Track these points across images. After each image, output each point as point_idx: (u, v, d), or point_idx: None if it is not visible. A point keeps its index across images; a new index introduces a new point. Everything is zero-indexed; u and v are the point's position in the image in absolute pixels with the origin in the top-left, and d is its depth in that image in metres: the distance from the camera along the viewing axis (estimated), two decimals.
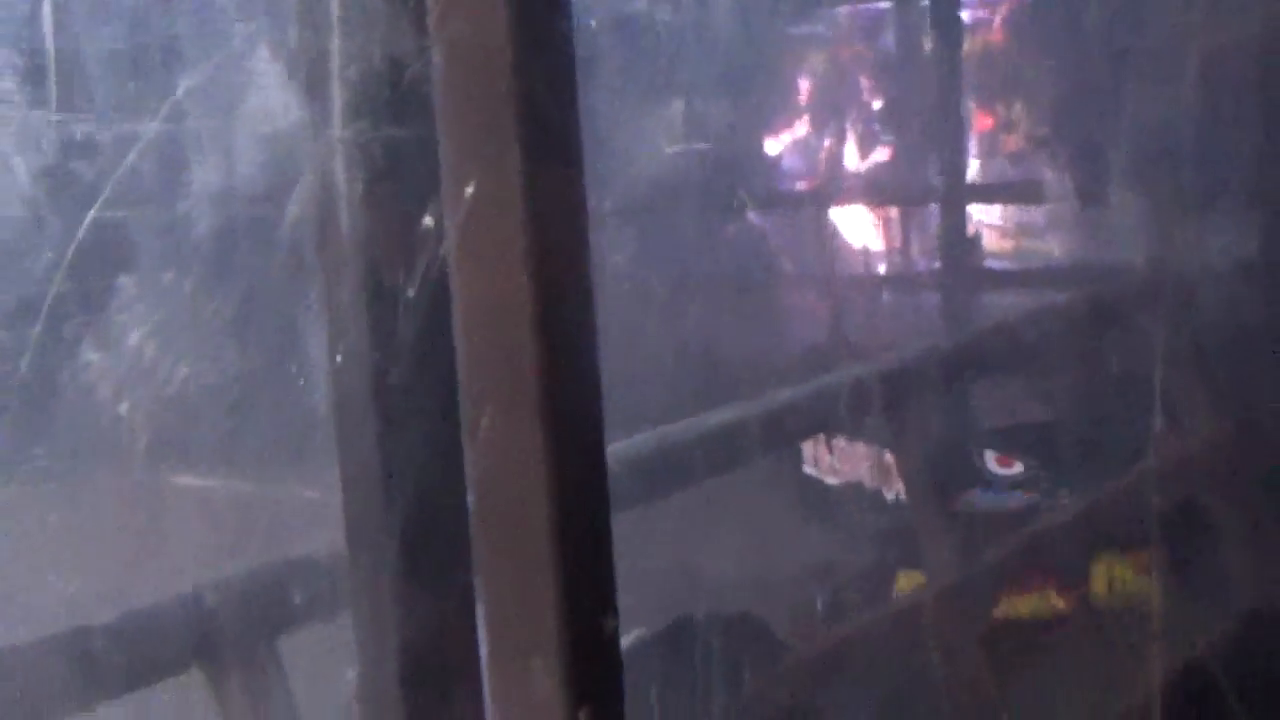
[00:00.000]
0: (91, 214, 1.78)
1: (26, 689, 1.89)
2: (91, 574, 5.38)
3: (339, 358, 1.81)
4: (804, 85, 9.93)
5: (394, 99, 1.77)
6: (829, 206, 9.19)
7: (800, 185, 9.58)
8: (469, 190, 1.81)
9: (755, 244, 8.17)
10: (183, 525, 5.55)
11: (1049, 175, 8.88)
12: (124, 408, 2.10)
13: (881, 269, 9.07)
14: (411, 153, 1.85)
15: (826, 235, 8.88)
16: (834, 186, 9.38)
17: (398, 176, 1.80)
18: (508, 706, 1.96)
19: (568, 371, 1.90)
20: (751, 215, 8.17)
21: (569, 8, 1.92)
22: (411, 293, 1.90)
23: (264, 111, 1.70)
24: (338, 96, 1.69)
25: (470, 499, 1.93)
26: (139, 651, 2.04)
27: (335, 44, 1.66)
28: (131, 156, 1.80)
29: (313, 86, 1.68)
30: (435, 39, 1.80)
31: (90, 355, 1.99)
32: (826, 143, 9.68)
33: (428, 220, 1.84)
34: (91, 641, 1.97)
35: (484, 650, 2.00)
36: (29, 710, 1.92)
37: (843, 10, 10.02)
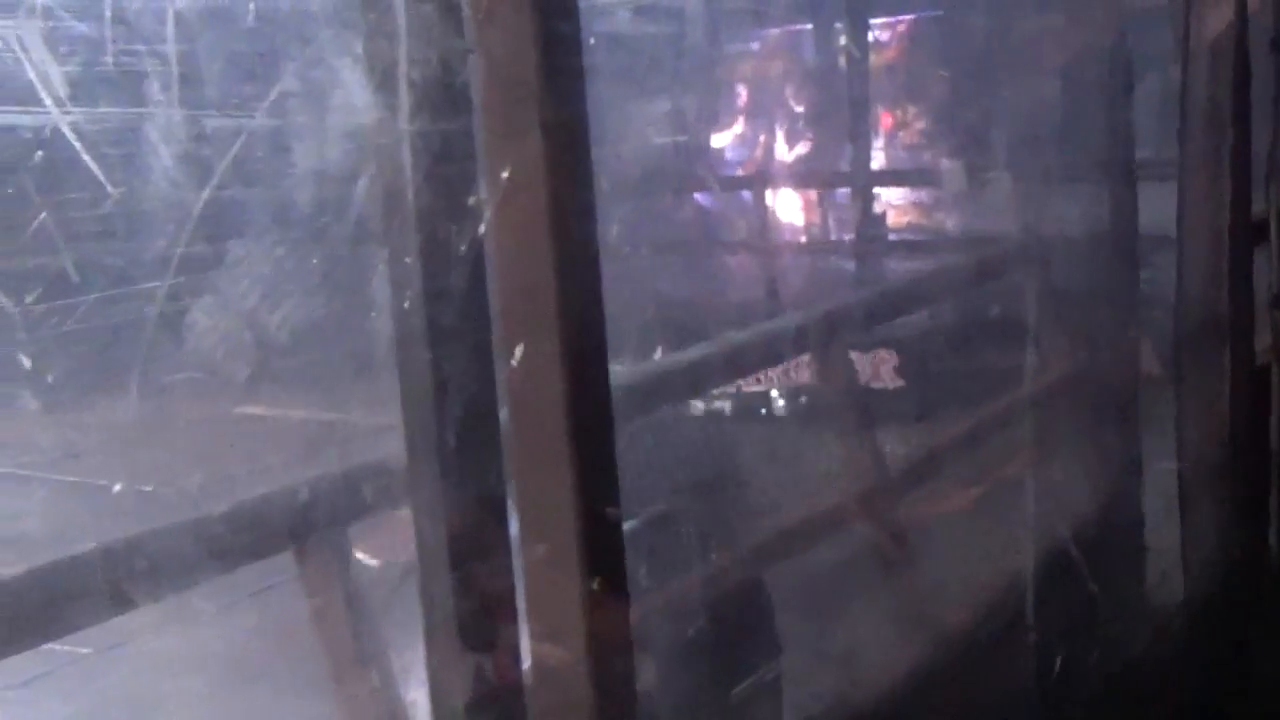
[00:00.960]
0: (206, 192, 1.80)
1: (162, 563, 1.92)
2: (205, 476, 5.39)
3: (406, 303, 1.83)
4: (741, 91, 9.96)
5: (448, 97, 1.80)
6: (762, 188, 9.24)
7: (739, 171, 9.62)
8: (504, 174, 1.84)
9: (700, 218, 8.21)
10: (268, 442, 5.55)
11: (939, 163, 8.94)
12: (229, 344, 2.12)
13: (804, 239, 9.13)
14: (462, 141, 1.88)
15: (759, 212, 8.92)
16: (765, 173, 9.43)
17: (451, 161, 1.83)
18: (534, 578, 2.00)
19: (579, 314, 1.94)
20: (696, 195, 8.22)
21: (579, 25, 1.95)
22: (461, 252, 1.93)
23: (344, 107, 1.72)
24: (404, 95, 1.70)
25: (504, 414, 1.97)
26: (246, 535, 2.07)
27: (402, 51, 1.68)
28: (236, 146, 1.82)
29: (383, 87, 1.70)
30: (475, 47, 1.83)
31: (207, 303, 2.01)
32: (760, 137, 9.74)
33: (472, 198, 1.87)
34: (213, 527, 2.00)
35: (514, 532, 2.05)
36: (167, 578, 1.95)
37: (772, 31, 10.04)
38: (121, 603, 2.02)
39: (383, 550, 2.31)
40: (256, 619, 3.89)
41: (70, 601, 1.89)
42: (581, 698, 2.01)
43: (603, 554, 1.99)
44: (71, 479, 5.95)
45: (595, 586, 1.98)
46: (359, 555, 2.27)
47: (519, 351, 1.94)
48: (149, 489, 5.47)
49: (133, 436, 5.80)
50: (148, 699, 4.17)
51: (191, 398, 5.33)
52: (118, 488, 5.65)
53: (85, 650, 3.05)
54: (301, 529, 2.18)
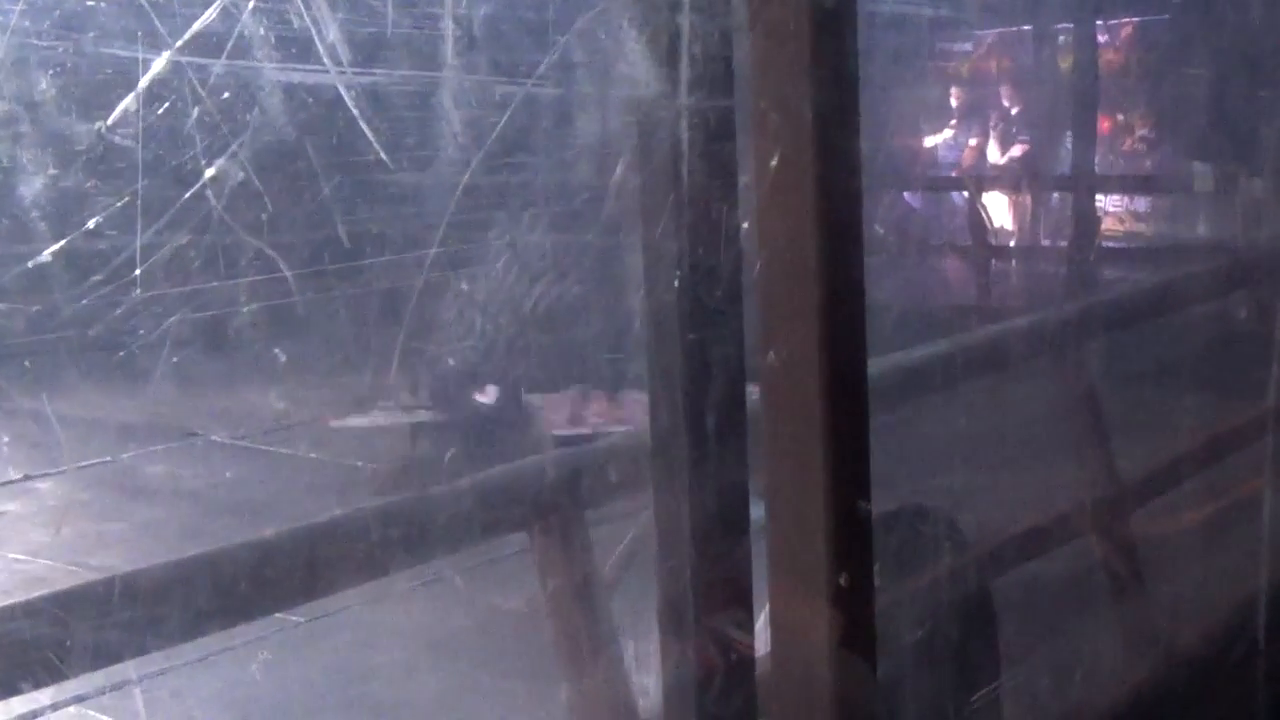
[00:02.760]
0: (476, 160, 1.81)
1: (415, 532, 1.95)
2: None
3: (662, 283, 1.82)
4: (954, 92, 9.81)
5: (726, 73, 1.78)
6: (973, 191, 9.10)
7: (950, 173, 9.48)
8: (774, 162, 1.82)
9: (907, 219, 8.11)
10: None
11: (1160, 169, 8.70)
12: (486, 320, 2.13)
13: (1014, 244, 8.96)
14: (730, 122, 1.86)
15: (970, 214, 8.78)
16: (977, 175, 9.28)
17: (721, 140, 1.81)
18: (779, 568, 1.97)
19: (841, 304, 1.91)
20: (905, 195, 8.11)
21: (854, 6, 1.91)
22: (723, 234, 1.91)
23: (622, 79, 1.71)
24: (685, 69, 1.69)
25: (760, 404, 1.95)
26: (486, 510, 2.08)
27: (685, 24, 1.67)
28: (505, 116, 1.83)
29: (665, 60, 1.69)
30: (749, 24, 1.81)
31: (467, 276, 2.03)
32: (972, 140, 9.58)
33: (745, 178, 1.85)
34: (457, 501, 2.02)
35: (754, 519, 2.03)
36: (416, 548, 1.98)
37: (989, 32, 9.88)
38: (364, 571, 2.05)
39: (615, 532, 2.31)
40: (463, 595, 3.94)
41: (324, 566, 1.92)
42: (821, 693, 1.98)
43: (851, 548, 1.96)
44: (285, 451, 6.13)
45: (842, 581, 1.95)
46: (592, 536, 2.27)
47: (778, 338, 1.91)
48: (359, 463, 5.60)
49: (342, 411, 5.95)
50: (354, 671, 4.26)
51: (409, 372, 5.44)
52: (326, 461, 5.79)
53: (297, 619, 3.12)
54: (539, 507, 2.19)
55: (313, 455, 5.90)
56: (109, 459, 5.80)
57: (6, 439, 5.70)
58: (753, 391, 2.01)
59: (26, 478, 5.99)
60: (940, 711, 2.49)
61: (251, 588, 1.86)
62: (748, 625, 2.07)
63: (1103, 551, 3.24)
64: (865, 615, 1.98)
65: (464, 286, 2.05)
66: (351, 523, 2.03)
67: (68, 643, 1.63)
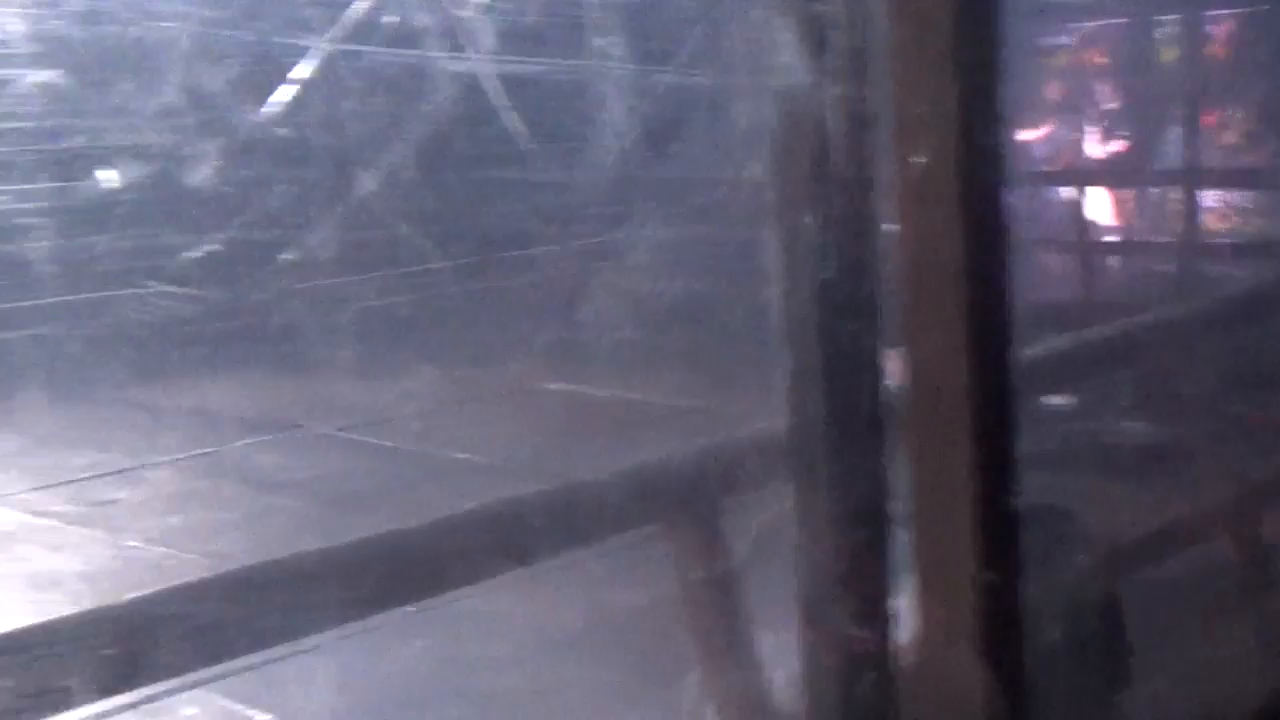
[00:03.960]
0: (617, 151, 1.80)
1: (542, 529, 1.94)
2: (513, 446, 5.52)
3: (815, 275, 1.80)
4: (1053, 86, 9.68)
5: (868, 65, 1.75)
6: (1072, 186, 8.97)
7: (1047, 168, 9.34)
8: (917, 157, 1.79)
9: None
10: (569, 418, 5.66)
11: (1264, 163, 8.54)
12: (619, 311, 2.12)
13: (1113, 239, 8.83)
14: (874, 114, 1.83)
15: (1070, 209, 8.67)
16: (1077, 170, 9.16)
17: (869, 130, 1.79)
18: (924, 563, 1.95)
19: (988, 299, 1.89)
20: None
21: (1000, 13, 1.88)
22: (863, 227, 1.89)
23: (769, 68, 1.69)
24: (831, 60, 1.67)
25: (906, 394, 1.92)
26: (618, 506, 2.07)
27: (833, 13, 1.64)
28: (648, 106, 1.81)
29: (813, 50, 1.67)
30: (891, 13, 1.78)
31: (608, 268, 2.02)
32: (1072, 134, 9.45)
33: (882, 174, 1.83)
34: (589, 495, 2.01)
35: (897, 514, 2.00)
36: (558, 539, 1.97)
37: (1087, 24, 9.74)
38: (506, 561, 2.05)
39: (748, 528, 2.29)
40: (578, 587, 3.94)
41: (466, 556, 1.92)
42: (963, 692, 1.96)
43: (996, 546, 1.93)
44: (388, 444, 6.17)
45: (987, 580, 1.92)
46: (725, 532, 2.25)
47: (921, 333, 1.89)
48: (463, 456, 5.62)
49: (446, 404, 5.98)
50: (466, 661, 4.27)
51: (506, 367, 5.46)
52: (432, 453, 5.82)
53: (410, 607, 3.13)
54: (678, 501, 2.17)
55: (414, 448, 5.94)
56: (219, 448, 5.87)
57: (123, 428, 5.78)
58: (889, 386, 1.99)
59: (141, 465, 6.09)
60: (1072, 713, 2.45)
61: (396, 576, 1.86)
62: (887, 621, 2.05)
63: (1237, 551, 3.17)
64: (1010, 615, 1.95)
65: (604, 279, 2.04)
66: (493, 512, 2.03)
67: (220, 627, 1.63)
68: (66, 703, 1.52)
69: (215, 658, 1.74)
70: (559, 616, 4.25)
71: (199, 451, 5.85)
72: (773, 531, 2.13)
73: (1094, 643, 2.29)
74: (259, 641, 1.73)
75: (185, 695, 3.73)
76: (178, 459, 5.82)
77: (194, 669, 1.68)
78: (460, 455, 5.57)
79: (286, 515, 5.33)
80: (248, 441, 5.92)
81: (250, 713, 4.04)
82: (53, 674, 1.48)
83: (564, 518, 2.05)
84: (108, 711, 2.17)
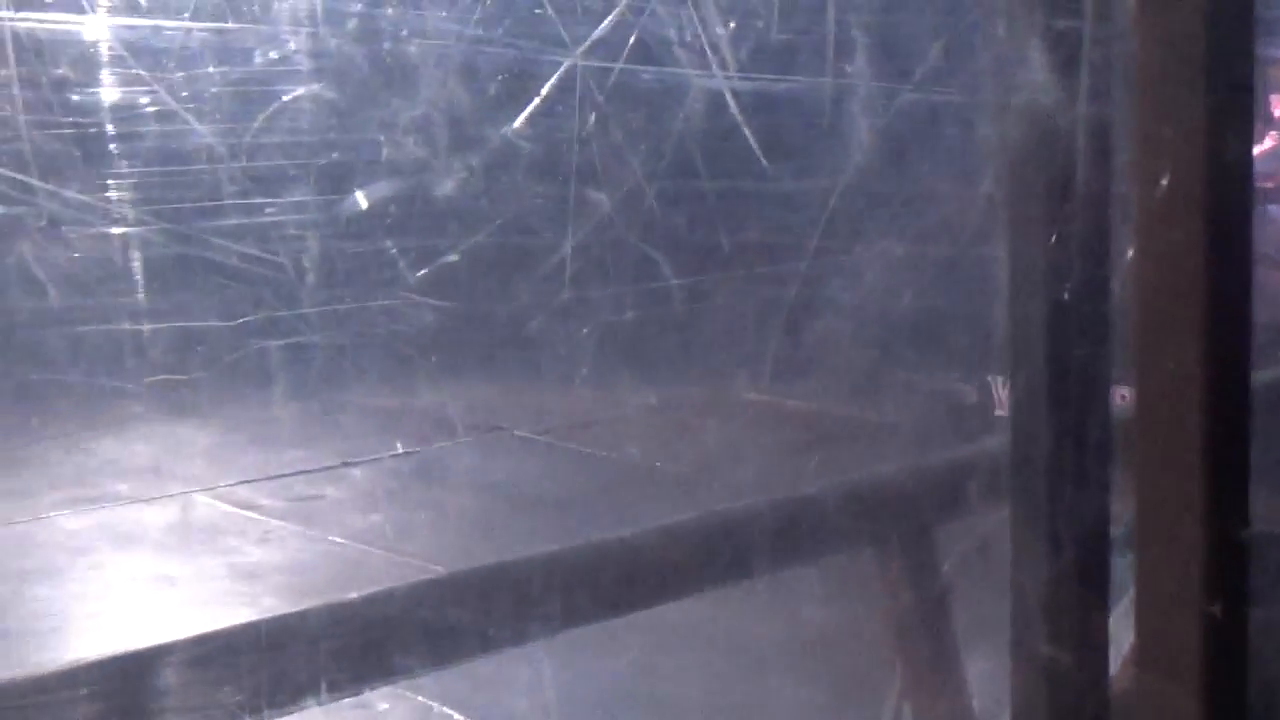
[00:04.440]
0: (852, 166, 1.79)
1: (765, 542, 1.93)
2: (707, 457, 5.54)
3: (1060, 295, 1.77)
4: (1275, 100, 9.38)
5: (1113, 83, 1.72)
6: None
7: (1268, 185, 9.04)
8: (1164, 180, 1.75)
9: None
10: (762, 429, 5.66)
11: None
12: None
13: None
14: (1118, 131, 1.80)
15: None
16: None
17: (1113, 149, 1.75)
18: (1146, 593, 1.90)
19: (1228, 322, 1.83)
20: None
21: (1252, 12, 1.82)
22: (1102, 248, 1.86)
23: (1012, 84, 1.66)
24: (1084, 77, 1.64)
25: (1128, 421, 1.88)
26: (834, 521, 2.06)
27: (1086, 30, 1.61)
28: (885, 122, 1.81)
29: (1061, 66, 1.63)
30: (1138, 30, 1.74)
31: (837, 286, 2.01)
32: None
33: (1125, 191, 1.79)
34: (811, 507, 2.00)
35: (1119, 541, 1.95)
36: (769, 556, 1.96)
37: None
38: (728, 572, 2.05)
39: (960, 550, 2.26)
40: (769, 602, 3.92)
41: (681, 568, 1.93)
42: None
43: (1227, 576, 1.87)
44: (586, 449, 6.23)
45: (1216, 610, 1.86)
46: (937, 553, 2.22)
47: (1156, 355, 1.84)
48: (659, 465, 5.65)
49: (648, 411, 6.02)
50: (657, 671, 4.29)
51: (720, 380, 5.48)
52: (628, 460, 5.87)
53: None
54: (894, 519, 2.15)
55: (611, 454, 5.99)
56: (420, 449, 6.00)
57: (331, 427, 5.95)
58: (1118, 409, 1.94)
59: (344, 464, 6.25)
60: None
61: (619, 583, 1.88)
62: (1104, 649, 2.00)
63: None
64: (1238, 648, 1.89)
65: (832, 294, 2.03)
66: (718, 522, 2.03)
67: (453, 629, 1.66)
68: (305, 698, 1.57)
69: (447, 659, 1.77)
70: (754, 630, 4.24)
71: (401, 451, 5.99)
72: (984, 553, 2.09)
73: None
74: (488, 644, 1.75)
75: (381, 691, 3.82)
76: (380, 458, 5.97)
77: (426, 670, 1.71)
78: (656, 464, 5.60)
79: (481, 518, 5.43)
80: (448, 443, 6.03)
81: (445, 710, 4.12)
82: (291, 668, 1.52)
83: (787, 531, 2.04)
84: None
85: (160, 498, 5.95)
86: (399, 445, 5.93)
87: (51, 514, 5.77)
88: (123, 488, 6.03)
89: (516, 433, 6.25)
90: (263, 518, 5.79)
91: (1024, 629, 2.04)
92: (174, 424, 6.26)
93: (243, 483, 6.04)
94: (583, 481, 5.80)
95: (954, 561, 2.34)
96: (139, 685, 1.52)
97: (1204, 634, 1.86)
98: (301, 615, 1.59)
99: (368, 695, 3.79)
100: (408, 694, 4.01)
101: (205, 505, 5.89)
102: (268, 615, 1.65)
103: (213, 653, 1.55)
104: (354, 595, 1.60)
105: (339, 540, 5.46)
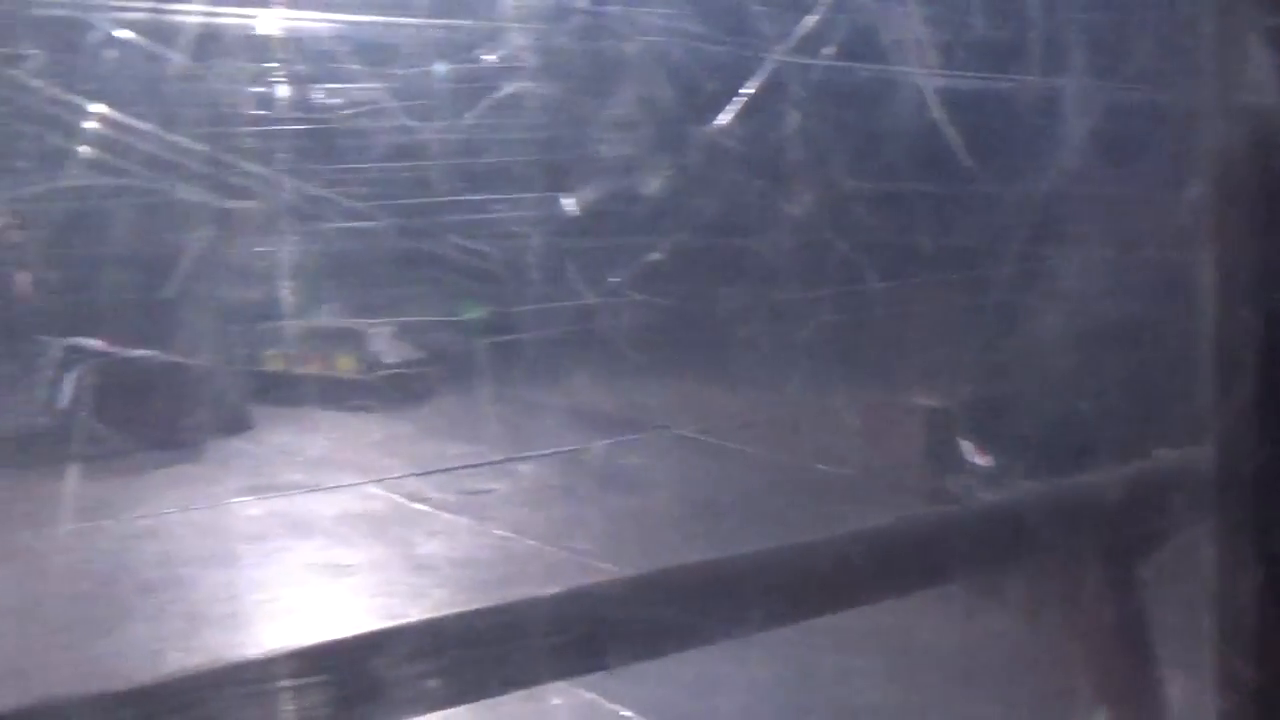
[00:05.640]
0: (1054, 168, 1.74)
1: (961, 548, 1.89)
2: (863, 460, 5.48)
3: (1272, 304, 1.70)
4: None
5: None
6: None
7: None
8: None
9: None
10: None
11: None
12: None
13: None
14: None
15: None
16: None
17: None
18: None
19: None
20: None
21: None
22: None
23: (1232, 86, 1.60)
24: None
25: None
26: (1031, 529, 2.01)
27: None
28: (1089, 122, 1.75)
29: (1225, 65, 1.57)
30: None
31: (1033, 284, 1.97)
32: None
33: None
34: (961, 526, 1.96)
35: None
36: (964, 562, 1.92)
37: None
38: (930, 577, 2.01)
39: (1159, 564, 2.18)
40: (945, 608, 3.86)
41: (872, 572, 1.90)
42: None
43: None
44: (748, 449, 6.19)
45: None
46: (1136, 567, 2.15)
47: None
48: (822, 467, 5.60)
49: (813, 414, 5.97)
50: (821, 673, 4.24)
51: (898, 384, 5.41)
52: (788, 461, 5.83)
53: None
54: (1086, 530, 2.09)
55: (773, 455, 5.94)
56: (585, 445, 6.02)
57: (501, 423, 6.01)
58: None
59: (509, 459, 6.29)
60: None
61: (827, 585, 1.86)
62: None
63: None
64: None
65: (1032, 299, 1.99)
66: (911, 527, 2.00)
67: (661, 624, 1.66)
68: (525, 681, 1.58)
69: (653, 652, 1.76)
70: (924, 637, 4.17)
71: (566, 448, 6.01)
72: (1182, 567, 2.02)
73: None
74: (688, 640, 1.74)
75: (552, 686, 3.83)
76: (545, 454, 5.99)
77: (634, 661, 1.70)
78: (820, 466, 5.55)
79: (643, 516, 5.42)
80: (612, 440, 6.04)
81: (612, 707, 4.12)
82: (514, 653, 1.54)
83: (986, 539, 2.00)
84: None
85: (334, 487, 6.07)
86: (565, 442, 5.97)
87: (229, 501, 5.90)
88: (298, 477, 6.16)
89: (679, 431, 6.25)
90: (432, 510, 5.86)
91: (1226, 648, 1.97)
92: (368, 417, 6.42)
93: (413, 475, 6.13)
94: (741, 482, 5.78)
95: (1165, 573, 2.27)
96: (363, 670, 1.55)
97: None
98: (510, 607, 1.61)
99: (539, 689, 3.81)
100: (580, 689, 4.03)
101: (377, 497, 5.99)
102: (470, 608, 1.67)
103: (435, 641, 1.57)
104: (561, 589, 1.61)
105: (507, 534, 5.52)
